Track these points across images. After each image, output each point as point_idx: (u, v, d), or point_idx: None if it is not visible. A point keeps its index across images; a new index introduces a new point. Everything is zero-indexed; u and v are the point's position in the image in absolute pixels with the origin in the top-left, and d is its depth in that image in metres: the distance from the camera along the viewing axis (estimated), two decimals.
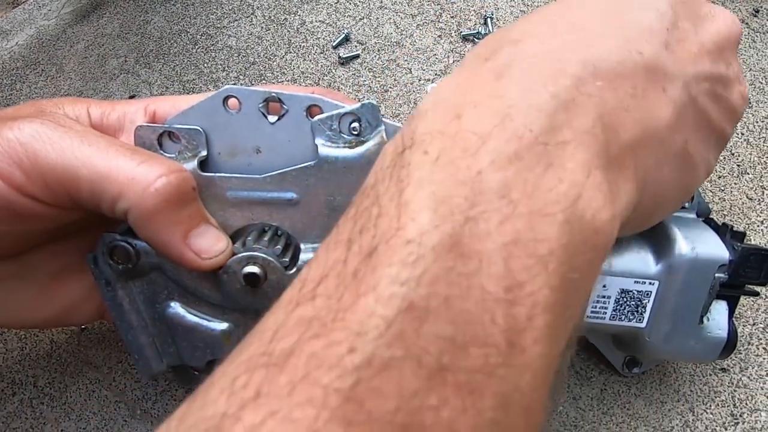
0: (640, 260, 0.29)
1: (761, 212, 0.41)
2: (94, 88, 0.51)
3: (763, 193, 0.42)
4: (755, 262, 0.29)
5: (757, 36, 0.50)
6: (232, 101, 0.26)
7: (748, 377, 0.35)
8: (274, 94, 0.25)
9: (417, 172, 0.15)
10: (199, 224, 0.24)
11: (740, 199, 0.42)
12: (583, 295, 0.17)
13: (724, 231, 0.30)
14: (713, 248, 0.28)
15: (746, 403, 0.35)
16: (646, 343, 0.30)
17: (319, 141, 0.25)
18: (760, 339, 0.36)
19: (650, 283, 0.28)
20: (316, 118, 0.25)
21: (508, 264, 0.14)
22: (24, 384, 0.36)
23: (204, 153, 0.26)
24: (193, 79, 0.51)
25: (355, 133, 0.25)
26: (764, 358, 0.36)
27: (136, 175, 0.22)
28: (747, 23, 0.51)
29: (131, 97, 0.50)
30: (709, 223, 0.31)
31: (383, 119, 0.25)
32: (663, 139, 0.19)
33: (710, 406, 0.35)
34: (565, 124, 0.16)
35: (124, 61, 0.53)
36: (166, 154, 0.26)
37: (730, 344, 0.30)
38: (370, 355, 0.12)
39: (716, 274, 0.28)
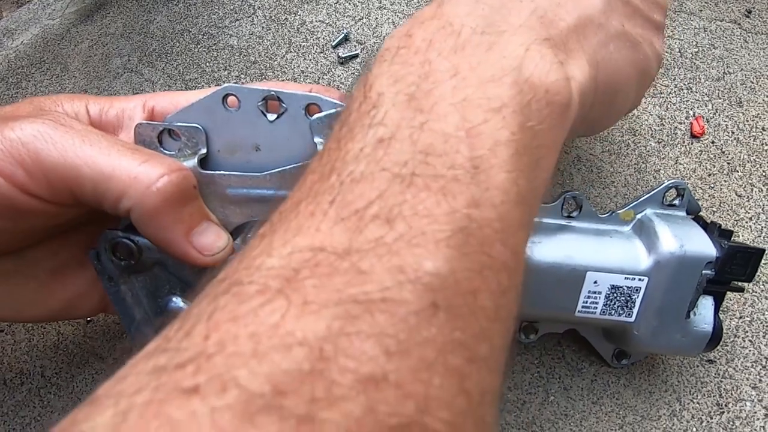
0: (631, 257, 0.30)
1: (749, 209, 0.42)
2: (98, 86, 0.52)
3: (751, 190, 0.43)
4: (741, 260, 0.30)
5: (749, 36, 0.51)
6: (231, 99, 0.26)
7: (734, 368, 0.36)
8: (272, 93, 0.26)
9: (376, 70, 0.19)
10: (200, 222, 0.24)
11: (729, 196, 0.43)
12: (547, 151, 0.19)
13: (712, 229, 0.31)
14: (701, 246, 0.29)
15: (731, 393, 0.36)
16: (634, 336, 0.31)
17: (317, 139, 0.26)
18: (746, 332, 0.37)
19: (639, 279, 0.29)
20: (315, 116, 0.26)
21: (464, 114, 0.17)
22: (32, 374, 0.37)
23: (204, 151, 0.26)
24: (195, 78, 0.52)
25: None
26: (749, 350, 0.37)
27: (139, 174, 0.22)
28: (739, 24, 0.52)
29: None
30: (698, 221, 0.32)
31: None
32: (600, 23, 0.22)
33: (696, 396, 0.36)
34: (500, 21, 0.19)
35: (128, 60, 0.54)
36: (166, 151, 0.26)
37: (715, 338, 0.31)
38: (352, 172, 0.16)
39: (703, 271, 0.29)
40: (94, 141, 0.23)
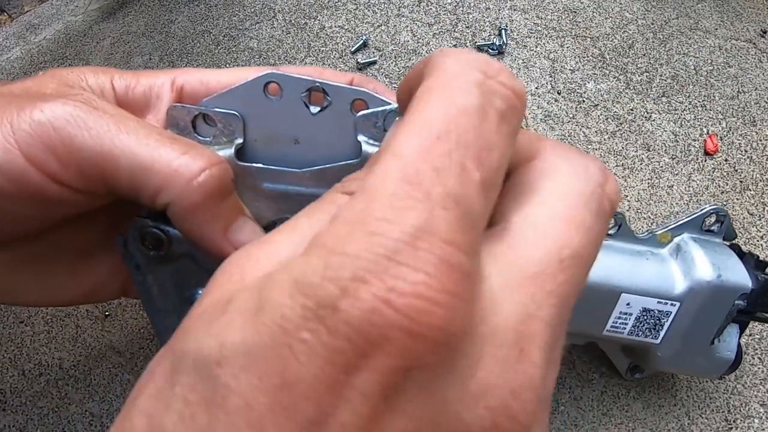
0: (666, 281, 0.29)
1: (761, 228, 0.42)
2: None
3: (764, 209, 0.43)
4: None
5: (764, 56, 0.52)
6: (272, 87, 0.24)
7: (743, 385, 0.37)
8: (318, 84, 0.24)
9: None
10: (237, 217, 0.23)
11: (742, 214, 0.43)
12: None
13: (749, 259, 0.31)
14: (737, 276, 0.29)
15: (740, 410, 0.36)
16: (657, 357, 0.31)
17: (361, 137, 0.24)
18: (756, 349, 0.38)
19: (672, 304, 0.29)
20: (361, 113, 0.24)
21: None
22: (50, 365, 0.38)
23: (240, 140, 0.25)
24: None
25: None
26: (759, 368, 0.37)
27: (180, 167, 0.21)
28: (754, 43, 0.53)
29: None
30: (734, 248, 0.32)
31: None
32: None
33: (705, 411, 0.36)
34: None
35: (149, 59, 0.54)
36: (200, 137, 0.25)
37: (736, 364, 0.31)
38: None
39: (736, 301, 0.29)
40: (131, 128, 0.21)
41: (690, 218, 0.31)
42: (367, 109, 0.24)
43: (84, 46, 0.56)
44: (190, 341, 0.13)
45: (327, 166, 0.24)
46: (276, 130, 0.25)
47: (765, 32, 0.53)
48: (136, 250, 0.25)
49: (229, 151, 0.24)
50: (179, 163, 0.21)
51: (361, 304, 0.11)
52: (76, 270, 0.27)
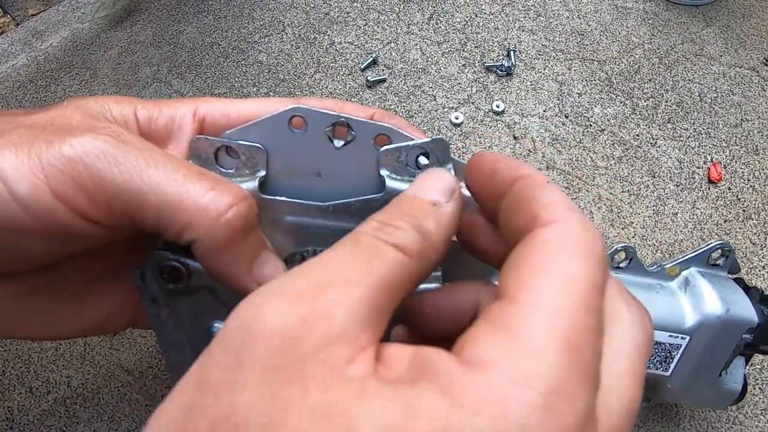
0: (676, 315, 0.30)
1: (764, 257, 0.43)
2: (127, 95, 0.53)
3: (766, 238, 0.44)
4: None
5: (767, 84, 0.53)
6: (297, 120, 0.24)
7: (744, 415, 0.37)
8: (343, 119, 0.24)
9: None
10: (260, 252, 0.23)
11: (744, 243, 0.44)
12: None
13: (754, 294, 0.32)
14: (745, 311, 0.30)
15: None
16: (667, 389, 0.31)
17: (384, 172, 0.24)
18: (756, 379, 0.39)
19: (682, 338, 0.30)
20: (384, 148, 0.24)
21: None
22: (58, 383, 0.38)
23: (263, 173, 0.25)
24: (224, 93, 0.52)
25: (422, 167, 0.24)
26: (759, 398, 0.38)
27: (207, 205, 0.20)
28: (757, 71, 0.53)
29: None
30: (739, 282, 0.33)
31: (452, 157, 0.24)
32: None
33: None
34: None
35: (157, 69, 0.54)
36: (222, 169, 0.25)
37: (742, 395, 0.32)
38: None
39: (743, 335, 0.30)
40: (160, 164, 0.21)
41: (697, 253, 0.32)
42: (390, 143, 0.24)
43: (91, 54, 0.56)
44: None
45: (351, 200, 0.24)
46: (299, 163, 0.25)
47: None
48: (154, 283, 0.24)
49: (252, 184, 0.24)
50: (207, 200, 0.21)
51: None
52: (83, 301, 0.26)
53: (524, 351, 0.14)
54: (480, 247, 0.22)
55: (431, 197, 0.20)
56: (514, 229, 0.18)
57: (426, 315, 0.22)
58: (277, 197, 0.25)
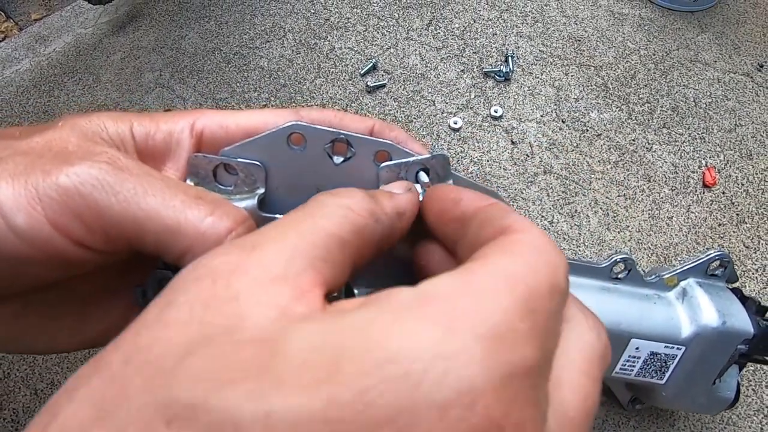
0: (673, 326, 0.31)
1: (756, 260, 0.44)
2: (130, 100, 0.53)
3: (759, 242, 0.45)
4: None
5: (760, 90, 0.53)
6: (296, 137, 0.24)
7: (738, 416, 0.38)
8: (342, 136, 0.24)
9: None
10: None
11: (738, 246, 0.45)
12: None
13: (750, 305, 0.32)
14: (741, 323, 0.30)
15: None
16: (661, 396, 0.32)
17: (384, 188, 0.24)
18: (750, 381, 0.39)
19: (678, 348, 0.30)
20: (384, 164, 0.24)
21: None
22: (62, 385, 0.38)
23: (262, 190, 0.25)
24: (226, 98, 0.53)
25: (423, 183, 0.24)
26: (753, 399, 0.38)
27: (206, 231, 0.21)
28: (751, 77, 0.54)
29: (167, 111, 0.52)
30: (737, 292, 0.33)
31: (453, 172, 0.24)
32: None
33: None
34: None
35: (160, 74, 0.55)
36: (221, 186, 0.25)
37: (734, 402, 0.33)
38: None
39: (739, 346, 0.30)
40: (157, 190, 0.21)
41: (696, 263, 0.32)
42: (390, 160, 0.24)
43: (94, 60, 0.56)
44: (196, 391, 0.12)
45: None
46: (298, 179, 0.25)
47: (762, 66, 0.55)
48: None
49: (251, 202, 0.24)
50: (205, 227, 0.21)
51: None
52: (84, 316, 0.26)
53: (475, 291, 0.14)
54: (435, 271, 0.22)
55: (387, 189, 0.22)
56: (483, 240, 0.18)
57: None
58: (276, 215, 0.25)
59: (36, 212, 0.20)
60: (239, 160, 0.24)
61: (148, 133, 0.25)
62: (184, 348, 0.13)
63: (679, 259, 0.44)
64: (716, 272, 0.32)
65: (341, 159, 0.25)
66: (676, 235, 0.45)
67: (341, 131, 0.24)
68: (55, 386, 0.38)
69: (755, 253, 0.44)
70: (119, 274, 0.27)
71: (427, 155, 0.24)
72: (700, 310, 0.30)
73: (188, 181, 0.25)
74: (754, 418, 0.38)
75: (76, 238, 0.20)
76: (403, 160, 0.24)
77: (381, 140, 0.25)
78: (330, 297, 0.16)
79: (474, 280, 0.14)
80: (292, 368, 0.12)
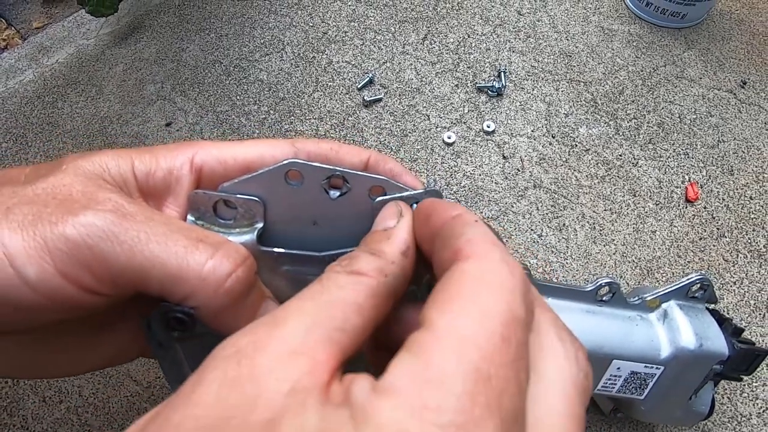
0: (653, 347, 0.32)
1: (734, 274, 0.46)
2: (133, 112, 0.55)
3: (737, 255, 0.47)
4: (746, 359, 0.34)
5: (743, 107, 0.55)
6: (293, 174, 0.26)
7: (713, 423, 0.40)
8: (338, 173, 0.25)
9: None
10: (260, 304, 0.24)
11: (717, 260, 0.47)
12: None
13: (727, 326, 0.34)
14: (716, 345, 0.32)
15: None
16: (640, 410, 0.34)
17: (377, 219, 0.25)
18: (725, 389, 0.41)
19: (657, 368, 0.32)
20: (379, 199, 0.25)
21: None
22: (70, 393, 0.40)
23: (261, 225, 0.26)
24: (226, 111, 0.54)
25: None
26: (727, 407, 0.41)
27: (207, 277, 0.22)
28: (735, 94, 0.56)
29: (168, 125, 0.54)
30: (715, 314, 0.35)
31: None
32: None
33: None
34: None
35: (161, 87, 0.56)
36: (220, 219, 0.26)
37: (709, 415, 0.35)
38: None
39: (714, 366, 0.32)
40: (161, 235, 0.22)
41: (678, 287, 0.34)
42: (385, 194, 0.25)
43: (97, 71, 0.58)
44: None
45: (346, 250, 0.25)
46: (296, 212, 0.26)
47: (745, 83, 0.57)
48: (160, 330, 0.25)
49: (250, 236, 0.26)
50: (206, 272, 0.22)
51: None
52: (96, 342, 0.27)
53: (430, 380, 0.14)
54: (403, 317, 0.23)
55: (383, 226, 0.23)
56: (440, 264, 0.19)
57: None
58: (275, 249, 0.26)
59: (46, 264, 0.21)
60: (238, 196, 0.26)
61: (148, 171, 0.26)
62: (207, 430, 0.14)
63: (661, 272, 0.46)
64: (696, 294, 0.34)
65: (337, 194, 0.26)
66: (659, 248, 0.47)
67: (337, 168, 0.25)
68: (63, 394, 0.40)
69: (733, 266, 0.46)
70: (126, 302, 0.27)
71: (420, 190, 0.25)
72: (679, 333, 0.32)
73: (189, 217, 0.26)
74: (728, 425, 0.40)
75: (85, 286, 0.21)
76: (397, 195, 0.25)
77: (375, 176, 0.26)
78: (349, 363, 0.18)
79: (427, 362, 0.14)
80: None
